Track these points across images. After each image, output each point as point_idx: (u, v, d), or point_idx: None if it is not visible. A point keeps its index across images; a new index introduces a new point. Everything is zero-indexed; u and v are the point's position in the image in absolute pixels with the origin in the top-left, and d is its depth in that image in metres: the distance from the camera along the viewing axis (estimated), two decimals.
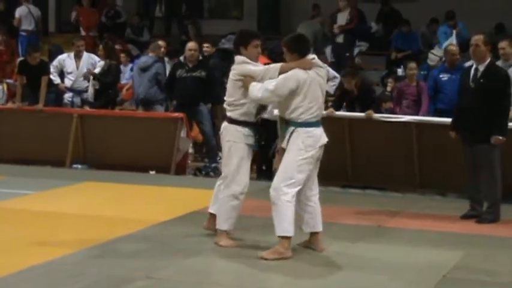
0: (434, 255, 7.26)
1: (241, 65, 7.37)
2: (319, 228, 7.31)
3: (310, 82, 7.09)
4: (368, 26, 17.96)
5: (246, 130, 7.41)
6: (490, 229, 8.40)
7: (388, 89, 13.26)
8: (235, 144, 7.40)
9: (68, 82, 13.63)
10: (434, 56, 14.91)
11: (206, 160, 12.67)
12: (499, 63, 10.10)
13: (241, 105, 7.38)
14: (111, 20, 19.83)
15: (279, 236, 7.05)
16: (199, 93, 12.18)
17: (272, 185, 7.11)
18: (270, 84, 7.09)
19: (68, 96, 13.62)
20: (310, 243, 7.36)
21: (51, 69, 13.45)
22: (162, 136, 11.92)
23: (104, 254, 7.09)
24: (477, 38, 8.74)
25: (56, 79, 13.56)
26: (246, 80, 7.27)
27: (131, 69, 14.69)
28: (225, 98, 7.60)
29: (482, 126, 8.54)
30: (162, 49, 13.37)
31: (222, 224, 7.45)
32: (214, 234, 7.58)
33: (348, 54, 16.11)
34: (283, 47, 7.29)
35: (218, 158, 12.16)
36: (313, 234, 7.33)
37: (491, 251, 7.50)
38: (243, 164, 7.40)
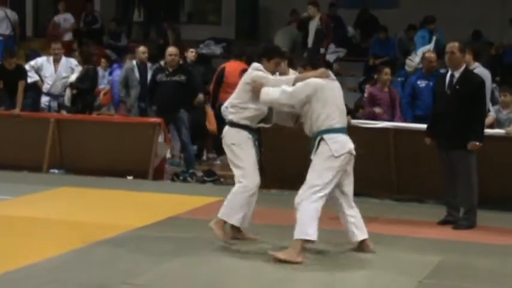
0: (410, 261, 7.28)
1: (256, 71, 7.56)
2: (364, 235, 7.48)
3: (327, 89, 7.30)
4: (345, 31, 18.06)
5: (246, 133, 7.53)
6: (466, 235, 8.43)
7: (366, 95, 13.29)
8: (240, 145, 7.51)
9: (45, 86, 13.56)
10: (412, 62, 14.98)
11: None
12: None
13: (245, 109, 7.54)
14: (87, 26, 19.81)
15: (296, 239, 7.08)
16: (179, 97, 12.19)
17: (300, 190, 7.22)
18: (289, 87, 7.29)
19: (45, 100, 13.53)
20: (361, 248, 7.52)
21: (27, 68, 13.37)
22: (139, 141, 11.87)
23: (79, 259, 7.04)
24: (452, 45, 8.80)
25: (34, 76, 13.45)
26: (257, 84, 7.42)
27: (109, 74, 14.66)
28: (229, 100, 7.76)
29: (459, 132, 8.58)
30: (145, 54, 13.33)
31: (224, 214, 7.50)
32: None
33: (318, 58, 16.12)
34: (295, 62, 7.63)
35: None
36: (362, 241, 7.50)
37: (467, 257, 7.52)
38: (252, 163, 7.51)
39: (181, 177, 12.01)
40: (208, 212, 8.86)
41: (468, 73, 8.85)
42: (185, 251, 7.39)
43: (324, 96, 7.26)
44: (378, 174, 10.56)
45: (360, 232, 7.48)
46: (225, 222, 7.56)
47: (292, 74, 7.87)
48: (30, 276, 6.44)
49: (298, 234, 7.07)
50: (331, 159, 7.16)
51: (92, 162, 11.83)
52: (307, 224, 7.06)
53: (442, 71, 10.39)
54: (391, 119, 11.31)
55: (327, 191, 7.16)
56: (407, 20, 16.97)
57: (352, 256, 7.42)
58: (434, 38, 14.73)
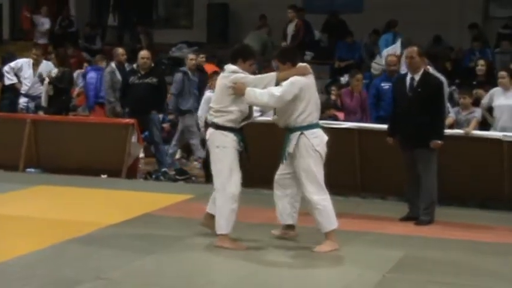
0: (374, 256, 7.30)
1: (234, 73, 7.39)
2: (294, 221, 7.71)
3: (311, 86, 7.37)
4: (313, 35, 18.09)
5: (232, 135, 7.39)
6: (428, 230, 8.47)
7: (332, 97, 13.32)
8: (224, 149, 7.35)
9: (24, 87, 13.44)
10: (378, 65, 15.05)
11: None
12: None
13: (228, 112, 7.37)
14: (63, 29, 19.74)
15: (327, 232, 7.39)
16: (150, 99, 12.15)
17: (307, 196, 7.39)
18: (276, 90, 7.24)
19: (23, 101, 13.43)
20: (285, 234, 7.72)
21: (7, 69, 13.25)
22: (113, 141, 11.79)
23: (54, 256, 6.98)
24: (411, 50, 8.89)
25: (13, 78, 13.33)
26: (239, 86, 7.28)
27: (83, 76, 14.56)
28: (211, 105, 7.59)
29: (421, 132, 8.64)
30: (124, 56, 13.21)
31: (223, 228, 7.33)
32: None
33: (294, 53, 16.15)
34: (276, 61, 7.56)
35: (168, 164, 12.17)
36: (290, 226, 7.69)
37: (429, 251, 7.55)
38: (234, 167, 7.36)
39: (153, 176, 11.95)
40: (180, 209, 8.85)
41: (427, 76, 8.92)
42: (158, 247, 7.34)
43: (308, 95, 7.32)
44: (344, 172, 10.57)
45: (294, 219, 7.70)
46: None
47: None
48: (6, 272, 6.38)
49: (329, 226, 7.41)
50: (318, 155, 7.33)
51: (67, 161, 11.74)
52: (331, 216, 7.42)
53: (401, 73, 10.45)
54: (360, 120, 11.36)
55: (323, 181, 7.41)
56: (372, 24, 17.05)
57: (315, 251, 7.38)
58: (399, 39, 14.82)
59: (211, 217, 7.58)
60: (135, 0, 20.84)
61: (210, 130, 7.49)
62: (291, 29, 16.21)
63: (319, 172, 7.38)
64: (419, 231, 8.42)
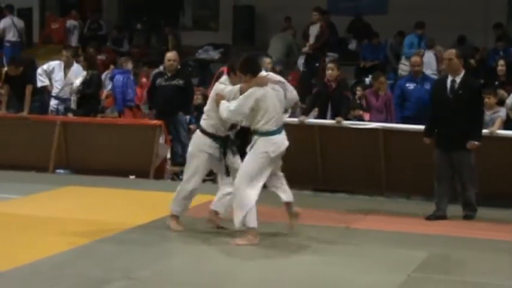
0: (399, 255, 7.28)
1: (220, 84, 7.73)
2: (291, 198, 7.79)
3: (268, 96, 7.46)
4: (338, 37, 18.09)
5: (210, 141, 7.75)
6: (452, 230, 8.43)
7: (357, 97, 13.29)
8: (196, 153, 7.81)
9: (54, 90, 13.53)
10: (405, 65, 15.00)
11: None
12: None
13: (211, 118, 7.75)
14: (92, 32, 19.88)
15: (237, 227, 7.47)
16: (177, 100, 12.18)
17: (235, 182, 7.48)
18: (232, 105, 7.47)
19: (53, 103, 13.51)
20: (287, 210, 7.84)
21: (40, 71, 13.34)
22: (141, 142, 11.85)
23: (83, 255, 7.03)
24: (450, 52, 8.99)
25: (45, 80, 13.43)
26: (217, 98, 7.64)
27: (110, 79, 14.61)
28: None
29: (461, 133, 8.72)
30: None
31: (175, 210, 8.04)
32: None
33: (317, 64, 16.18)
34: (238, 72, 7.64)
35: None
36: (287, 204, 7.82)
37: (454, 251, 7.51)
38: (198, 171, 7.81)
39: (180, 177, 11.97)
40: (206, 209, 8.84)
41: (468, 78, 8.94)
42: (185, 247, 7.38)
43: (265, 105, 7.46)
44: (369, 172, 10.56)
45: (286, 195, 7.75)
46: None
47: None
48: (37, 271, 6.43)
49: (239, 222, 7.48)
50: (265, 155, 7.43)
51: (96, 162, 11.81)
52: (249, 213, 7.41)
53: (429, 74, 10.42)
54: (385, 120, 11.34)
55: (261, 180, 7.45)
56: (397, 26, 16.99)
57: (340, 251, 7.41)
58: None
59: (215, 213, 8.03)
60: (163, 3, 20.91)
61: (197, 131, 8.00)
62: (314, 30, 16.19)
63: (255, 170, 7.42)
64: (444, 231, 8.37)
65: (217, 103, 7.60)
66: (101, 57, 18.08)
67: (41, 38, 20.95)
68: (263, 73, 7.62)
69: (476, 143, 8.75)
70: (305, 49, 16.05)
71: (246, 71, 7.55)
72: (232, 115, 7.49)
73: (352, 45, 18.33)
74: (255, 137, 7.54)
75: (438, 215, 8.90)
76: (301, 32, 16.46)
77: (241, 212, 7.37)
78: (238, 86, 7.61)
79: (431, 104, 9.33)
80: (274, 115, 7.50)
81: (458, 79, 8.83)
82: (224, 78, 7.85)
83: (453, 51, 8.98)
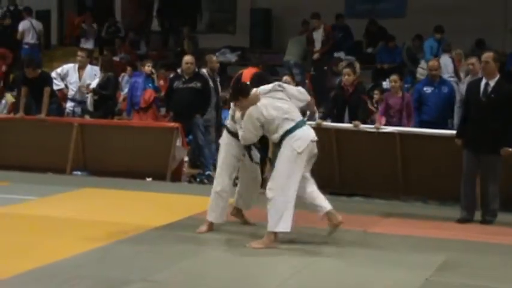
0: (417, 259, 7.26)
1: (237, 109, 7.71)
2: (329, 206, 7.69)
3: (264, 108, 7.46)
4: (354, 40, 18.09)
5: (234, 139, 7.85)
6: (470, 234, 8.41)
7: (375, 100, 13.29)
8: (221, 147, 8.03)
9: (70, 92, 13.60)
10: (423, 69, 14.98)
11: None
12: (468, 78, 10.24)
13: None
14: (110, 35, 19.97)
15: (271, 231, 7.37)
16: (194, 103, 12.20)
17: (269, 186, 7.43)
18: (241, 132, 7.60)
19: (69, 105, 13.59)
20: (330, 220, 7.73)
21: (54, 75, 13.42)
22: (158, 145, 11.90)
23: (101, 257, 7.06)
24: (487, 55, 8.95)
25: (60, 84, 13.50)
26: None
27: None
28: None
29: (492, 138, 8.71)
30: (218, 64, 13.26)
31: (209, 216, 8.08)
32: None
33: (326, 67, 16.25)
34: (233, 103, 7.78)
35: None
36: (328, 213, 7.69)
37: (472, 255, 7.49)
38: (224, 165, 8.02)
39: (198, 179, 12.02)
40: None
41: (502, 82, 8.94)
42: (203, 249, 7.40)
43: (269, 115, 7.45)
44: (386, 176, 10.56)
45: (325, 203, 7.70)
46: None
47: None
48: (55, 272, 6.47)
49: (274, 227, 7.42)
50: (296, 154, 7.37)
51: (113, 164, 11.87)
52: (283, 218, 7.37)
53: (462, 77, 10.40)
54: (401, 123, 11.33)
55: (296, 183, 7.40)
56: (414, 29, 16.96)
57: (358, 254, 7.40)
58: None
59: (237, 210, 8.34)
60: (180, 5, 20.97)
61: (224, 132, 8.16)
62: (318, 35, 16.30)
63: (287, 171, 7.37)
64: (462, 235, 8.36)
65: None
66: (118, 59, 18.16)
67: (66, 38, 21.11)
68: (253, 91, 7.62)
69: (510, 149, 8.73)
70: (315, 56, 16.17)
71: (236, 96, 7.63)
72: (246, 141, 7.65)
73: (369, 49, 18.33)
74: (279, 141, 7.52)
75: (466, 219, 8.93)
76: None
77: (278, 215, 7.34)
78: (239, 114, 7.68)
79: (464, 105, 9.34)
80: (284, 115, 7.48)
81: (492, 83, 8.82)
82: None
83: (491, 54, 8.95)
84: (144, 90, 13.76)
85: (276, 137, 7.52)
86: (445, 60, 14.26)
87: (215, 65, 13.09)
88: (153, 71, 13.97)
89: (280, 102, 7.58)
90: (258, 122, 7.48)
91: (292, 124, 7.48)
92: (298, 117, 7.60)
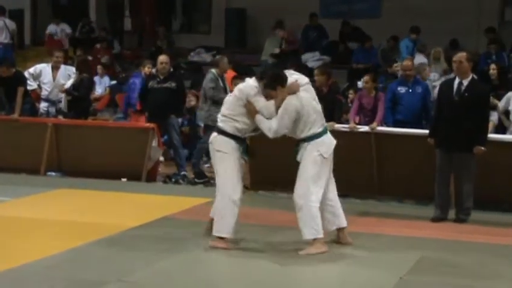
0: (391, 258, 7.32)
1: (254, 95, 7.39)
2: (344, 223, 7.61)
3: (304, 102, 7.31)
4: (330, 40, 18.16)
5: (233, 143, 7.46)
6: (445, 233, 8.47)
7: (349, 100, 13.32)
8: (224, 154, 7.45)
9: (44, 92, 13.52)
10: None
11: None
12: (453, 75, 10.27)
13: (236, 121, 7.46)
14: (84, 35, 19.89)
15: (308, 238, 7.32)
16: (169, 103, 12.16)
17: (297, 191, 7.32)
18: (274, 123, 7.30)
19: (43, 106, 13.50)
20: (339, 238, 7.68)
21: (26, 75, 13.32)
22: (133, 145, 11.86)
23: (75, 258, 7.04)
24: (460, 55, 9.01)
25: (33, 84, 13.41)
26: (251, 107, 7.37)
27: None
28: (222, 110, 7.63)
29: (465, 136, 8.77)
30: (230, 65, 13.11)
31: (221, 232, 7.39)
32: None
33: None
34: (267, 89, 7.37)
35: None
36: (340, 230, 7.66)
37: (446, 254, 7.55)
38: (234, 173, 7.44)
39: (173, 180, 12.01)
40: (198, 212, 8.88)
41: (476, 82, 9.00)
42: (178, 249, 7.40)
43: (305, 112, 7.33)
44: (361, 176, 10.59)
45: (338, 220, 7.63)
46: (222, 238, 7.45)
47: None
48: (30, 274, 6.45)
49: (311, 234, 7.34)
50: (320, 159, 7.33)
51: (88, 165, 11.81)
52: (314, 222, 7.32)
53: (434, 76, 10.46)
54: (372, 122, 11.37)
55: (322, 187, 7.39)
56: (389, 30, 17.05)
57: (332, 254, 7.41)
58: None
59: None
60: (154, 5, 20.94)
61: (214, 134, 7.60)
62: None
63: (314, 175, 7.33)
64: (436, 234, 8.42)
65: (250, 112, 7.37)
66: (104, 61, 18.11)
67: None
68: (291, 79, 7.44)
69: (482, 148, 8.81)
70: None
71: (274, 85, 7.35)
72: (277, 133, 7.33)
73: (343, 48, 18.40)
74: (304, 144, 7.39)
75: (440, 218, 8.99)
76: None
77: (313, 221, 7.28)
78: (272, 102, 7.35)
79: (436, 104, 9.39)
80: (315, 117, 7.40)
81: (465, 82, 8.88)
82: (253, 85, 7.49)
83: (464, 54, 9.01)
84: None
85: (302, 136, 7.39)
86: (420, 60, 14.34)
87: (226, 67, 12.92)
88: (154, 71, 13.82)
89: (315, 101, 7.52)
90: (297, 114, 7.29)
91: (321, 128, 7.44)
92: (324, 123, 7.58)
